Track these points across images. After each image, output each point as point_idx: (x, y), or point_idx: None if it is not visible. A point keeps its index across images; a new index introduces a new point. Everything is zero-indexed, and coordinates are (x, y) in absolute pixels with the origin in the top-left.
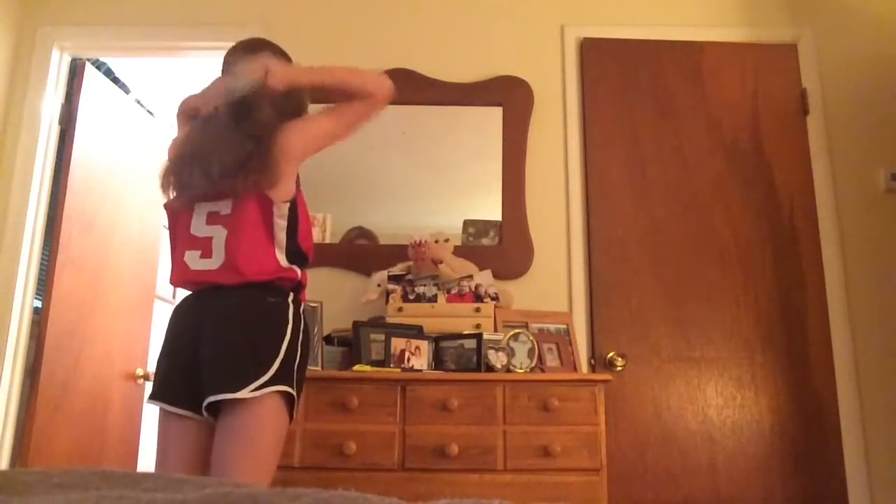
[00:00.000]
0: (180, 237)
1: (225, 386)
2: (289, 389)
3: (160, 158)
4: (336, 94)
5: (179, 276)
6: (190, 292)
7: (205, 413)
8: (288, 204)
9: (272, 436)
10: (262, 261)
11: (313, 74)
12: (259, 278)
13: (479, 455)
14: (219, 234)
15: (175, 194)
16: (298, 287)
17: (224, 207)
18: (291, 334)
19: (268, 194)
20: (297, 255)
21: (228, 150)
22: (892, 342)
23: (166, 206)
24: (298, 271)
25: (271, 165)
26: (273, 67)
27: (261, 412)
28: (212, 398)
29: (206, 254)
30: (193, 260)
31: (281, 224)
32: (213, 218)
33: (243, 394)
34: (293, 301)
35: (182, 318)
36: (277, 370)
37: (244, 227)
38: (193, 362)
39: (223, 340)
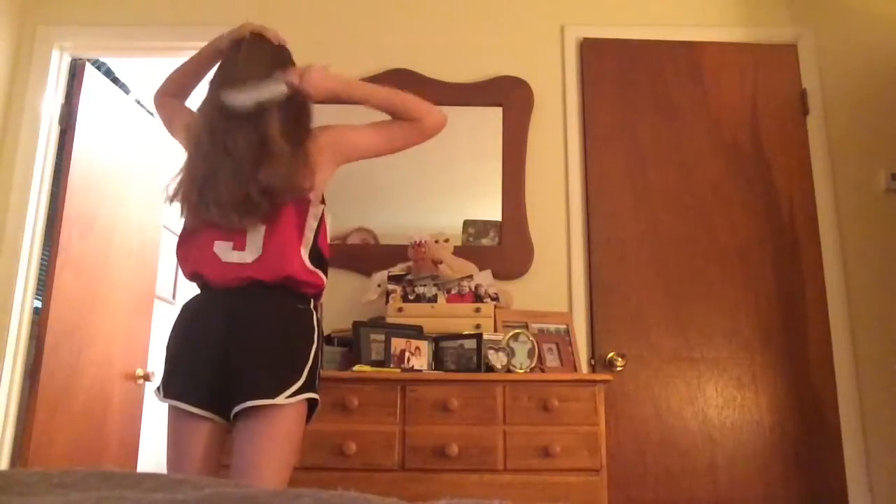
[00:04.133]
0: (207, 226)
1: (263, 392)
2: (316, 396)
3: (160, 159)
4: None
5: (207, 266)
6: (205, 287)
7: (231, 417)
8: (322, 206)
9: (296, 439)
10: (293, 258)
11: (355, 89)
12: (292, 273)
13: (479, 455)
14: (255, 226)
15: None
16: (319, 294)
17: None
18: (316, 342)
19: (306, 195)
20: (319, 256)
21: (272, 165)
22: (892, 342)
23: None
24: (323, 277)
25: (309, 174)
26: (312, 73)
27: (290, 416)
28: (250, 403)
29: (240, 245)
30: (225, 251)
31: (312, 224)
32: None
33: (280, 400)
34: (314, 308)
35: (208, 319)
36: (307, 377)
37: (281, 223)
38: (223, 366)
39: (260, 347)
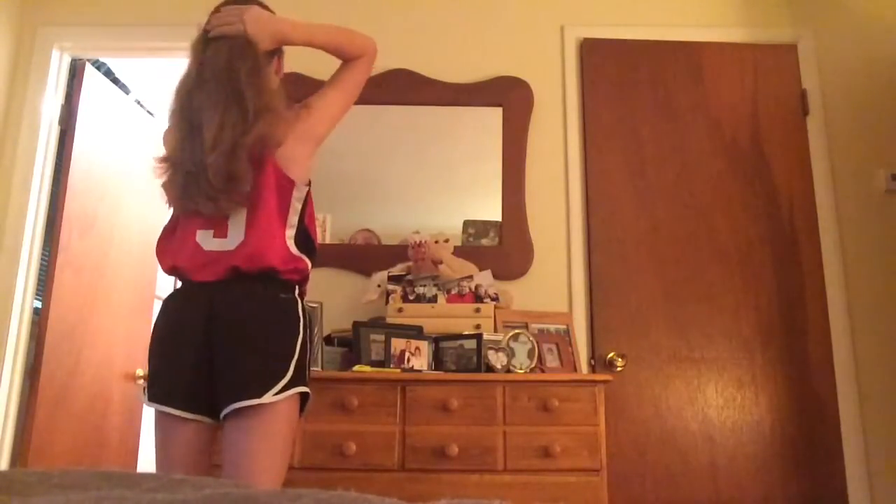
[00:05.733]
0: (189, 216)
1: (250, 391)
2: (306, 389)
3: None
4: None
5: (188, 257)
6: (185, 281)
7: (220, 417)
8: (307, 188)
9: (289, 434)
10: (277, 244)
11: (304, 32)
12: (274, 263)
13: (479, 455)
14: (236, 210)
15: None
16: (304, 280)
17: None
18: (303, 332)
19: (289, 175)
20: (305, 240)
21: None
22: (892, 342)
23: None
24: (307, 262)
25: (277, 124)
26: (257, 19)
27: (281, 413)
28: (237, 405)
29: (221, 233)
30: (206, 239)
31: (296, 207)
32: None
33: (267, 398)
34: (299, 295)
35: (188, 317)
36: (294, 371)
37: (263, 207)
38: (206, 365)
39: (243, 344)
